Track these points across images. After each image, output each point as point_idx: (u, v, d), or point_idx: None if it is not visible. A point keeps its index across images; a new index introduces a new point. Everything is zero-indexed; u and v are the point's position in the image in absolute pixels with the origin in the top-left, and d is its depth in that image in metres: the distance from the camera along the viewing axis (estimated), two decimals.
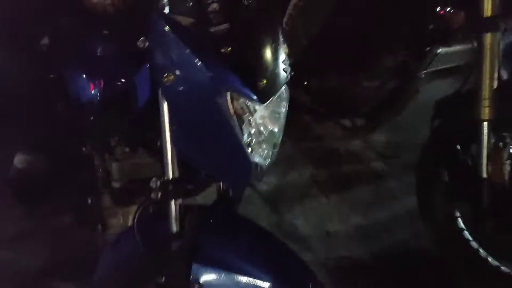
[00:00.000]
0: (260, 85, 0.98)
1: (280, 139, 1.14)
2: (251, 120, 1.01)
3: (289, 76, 1.07)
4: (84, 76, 1.28)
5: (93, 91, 1.26)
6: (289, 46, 2.05)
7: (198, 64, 0.93)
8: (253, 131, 1.02)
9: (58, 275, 1.90)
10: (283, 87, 1.07)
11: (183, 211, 1.10)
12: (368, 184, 2.46)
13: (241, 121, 0.99)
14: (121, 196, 1.39)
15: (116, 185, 1.34)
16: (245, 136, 1.01)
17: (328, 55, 2.11)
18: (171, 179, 1.07)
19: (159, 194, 1.08)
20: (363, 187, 2.45)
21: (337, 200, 2.35)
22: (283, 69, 1.04)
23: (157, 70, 0.98)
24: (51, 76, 1.43)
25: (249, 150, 1.03)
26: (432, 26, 1.83)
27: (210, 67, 0.93)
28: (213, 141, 1.01)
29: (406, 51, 1.98)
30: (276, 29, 1.03)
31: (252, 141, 1.03)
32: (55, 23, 1.41)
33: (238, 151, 1.01)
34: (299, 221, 2.22)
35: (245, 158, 1.02)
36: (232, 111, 0.97)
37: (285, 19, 2.08)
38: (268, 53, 1.00)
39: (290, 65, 1.08)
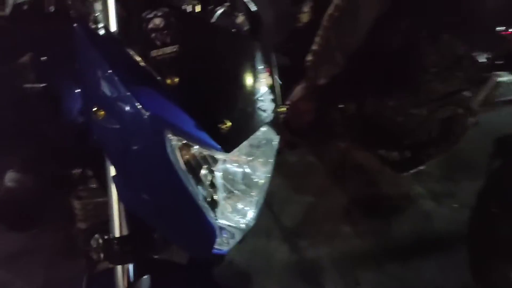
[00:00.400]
0: (222, 129, 0.73)
1: (263, 194, 0.88)
2: (212, 172, 0.76)
3: (271, 116, 0.80)
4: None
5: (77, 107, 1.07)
6: (320, 62, 1.82)
7: (131, 99, 0.69)
8: (216, 187, 0.77)
9: None
10: (264, 129, 0.80)
11: (135, 275, 0.87)
12: (412, 226, 2.12)
13: (195, 174, 0.74)
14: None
15: (81, 225, 1.14)
16: (203, 194, 0.75)
17: (368, 75, 1.80)
18: (118, 237, 0.85)
19: (102, 255, 0.86)
20: (406, 228, 2.10)
21: (373, 243, 2.03)
22: (259, 106, 0.77)
23: (86, 100, 0.75)
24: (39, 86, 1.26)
25: (213, 211, 0.77)
26: (492, 49, 1.49)
27: (147, 104, 0.69)
28: (160, 198, 0.77)
29: (461, 76, 1.64)
30: (251, 53, 0.77)
31: (216, 200, 0.78)
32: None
33: (193, 212, 0.76)
34: (323, 263, 1.92)
35: (204, 221, 0.77)
36: (181, 161, 0.72)
37: (319, 32, 1.80)
38: (235, 86, 0.75)
39: (275, 100, 0.81)
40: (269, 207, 2.06)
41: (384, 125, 1.85)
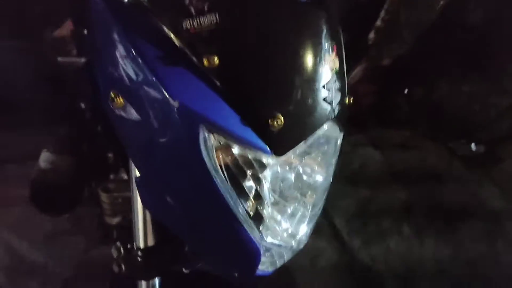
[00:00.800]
0: (273, 126, 0.55)
1: (321, 204, 0.71)
2: (258, 181, 0.59)
3: (337, 109, 0.62)
4: None
5: None
6: (385, 40, 1.60)
7: (156, 85, 0.53)
8: (262, 198, 0.60)
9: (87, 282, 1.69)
10: (325, 126, 0.62)
11: None
12: (479, 226, 1.88)
13: (236, 182, 0.58)
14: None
15: (109, 221, 1.01)
16: (246, 207, 0.59)
17: (441, 56, 1.58)
18: (142, 248, 0.71)
19: (123, 268, 0.72)
20: (472, 229, 1.87)
21: (434, 243, 1.81)
22: (324, 97, 0.59)
23: (101, 84, 0.60)
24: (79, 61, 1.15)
25: (257, 227, 0.61)
26: None
27: (178, 92, 0.53)
28: (190, 208, 0.61)
29: None
30: (314, 26, 0.58)
31: (261, 215, 0.61)
32: None
33: (231, 228, 0.60)
34: (377, 265, 1.73)
35: (245, 240, 0.61)
36: (218, 165, 0.56)
37: (385, 6, 1.58)
38: (292, 70, 0.57)
39: (342, 89, 0.63)
40: None
41: (456, 114, 1.63)
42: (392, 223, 1.89)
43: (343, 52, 0.65)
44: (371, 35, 1.66)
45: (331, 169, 0.70)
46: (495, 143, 1.65)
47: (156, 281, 0.74)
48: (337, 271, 1.72)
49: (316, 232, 1.82)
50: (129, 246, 0.74)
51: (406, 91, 1.70)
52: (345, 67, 0.66)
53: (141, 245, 0.72)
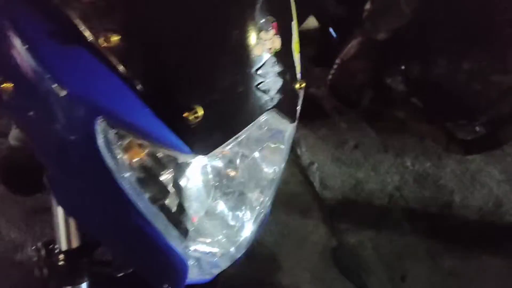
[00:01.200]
0: (190, 120, 0.45)
1: (267, 207, 0.62)
2: (176, 183, 0.50)
3: (276, 98, 0.51)
4: None
5: None
6: (381, 12, 1.47)
7: (42, 68, 0.43)
8: (183, 205, 0.51)
9: None
10: (265, 117, 0.52)
11: None
12: (479, 213, 1.78)
13: (147, 186, 0.48)
14: None
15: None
16: (165, 215, 0.50)
17: (441, 31, 1.45)
18: (66, 250, 0.63)
19: (44, 272, 0.64)
20: (471, 216, 1.78)
21: (427, 232, 1.72)
22: (257, 85, 0.49)
23: None
24: None
25: (181, 233, 0.52)
26: None
27: (67, 77, 0.43)
28: (100, 211, 0.52)
29: None
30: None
31: (183, 220, 0.52)
32: None
33: (148, 239, 0.51)
34: (366, 252, 1.65)
35: (164, 248, 0.52)
36: (123, 166, 0.46)
37: None
38: (215, 50, 0.46)
39: (285, 73, 0.52)
40: (308, 181, 1.79)
41: (455, 93, 1.52)
42: (384, 210, 1.79)
43: (291, 28, 0.54)
44: (367, 6, 1.53)
45: (280, 164, 0.61)
46: (496, 125, 1.54)
47: (84, 286, 0.66)
48: (323, 256, 1.64)
49: (305, 215, 1.73)
50: (51, 247, 0.66)
51: (402, 67, 1.58)
52: (292, 47, 0.55)
53: (64, 247, 0.64)
